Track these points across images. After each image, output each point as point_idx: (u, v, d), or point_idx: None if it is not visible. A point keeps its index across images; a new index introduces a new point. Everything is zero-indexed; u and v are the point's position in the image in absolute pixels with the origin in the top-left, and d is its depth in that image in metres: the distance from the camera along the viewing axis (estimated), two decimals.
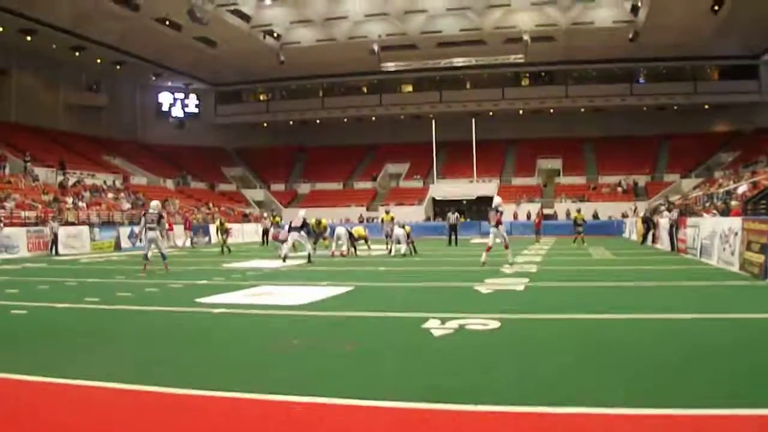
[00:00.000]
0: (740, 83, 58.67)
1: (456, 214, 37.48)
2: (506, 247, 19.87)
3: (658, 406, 5.10)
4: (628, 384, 5.85)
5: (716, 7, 45.01)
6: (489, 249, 19.77)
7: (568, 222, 50.99)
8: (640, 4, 47.16)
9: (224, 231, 32.25)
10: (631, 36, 50.74)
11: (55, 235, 31.58)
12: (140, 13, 46.90)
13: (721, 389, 5.62)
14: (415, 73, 62.88)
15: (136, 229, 33.47)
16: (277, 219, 37.00)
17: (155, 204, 19.75)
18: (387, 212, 31.58)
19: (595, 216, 51.59)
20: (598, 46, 54.31)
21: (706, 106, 61.85)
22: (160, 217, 19.04)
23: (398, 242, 26.15)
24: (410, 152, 66.38)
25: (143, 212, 21.51)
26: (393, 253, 26.34)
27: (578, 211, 35.70)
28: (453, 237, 35.64)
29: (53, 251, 31.23)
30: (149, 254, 19.10)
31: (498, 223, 19.59)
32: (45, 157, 47.84)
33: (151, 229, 18.89)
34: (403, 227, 26.54)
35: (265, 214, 43.83)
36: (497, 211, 19.74)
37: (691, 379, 6.01)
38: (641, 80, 62.87)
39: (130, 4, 45.97)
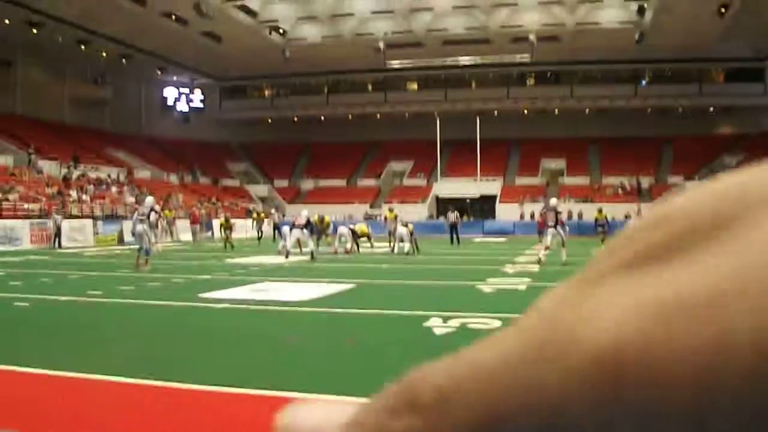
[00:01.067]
0: (746, 86, 58.60)
1: (456, 212, 37.33)
2: (563, 245, 20.20)
3: None
4: None
5: (723, 10, 44.99)
6: (548, 248, 19.99)
7: (571, 222, 51.20)
8: (646, 6, 47.16)
9: (228, 227, 32.26)
10: (637, 37, 50.72)
11: (59, 228, 31.60)
12: (147, 8, 46.90)
13: None
14: (421, 71, 62.83)
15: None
16: (262, 215, 37.52)
17: (149, 200, 19.74)
18: (390, 210, 31.61)
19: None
20: (604, 46, 54.25)
21: (711, 109, 61.77)
22: (151, 212, 18.93)
23: (401, 240, 26.18)
24: (414, 150, 66.31)
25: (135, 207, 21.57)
26: (396, 251, 26.36)
27: (600, 210, 35.17)
28: (454, 236, 35.56)
29: (56, 244, 31.26)
30: (144, 248, 18.94)
31: (559, 223, 19.85)
32: (50, 150, 47.85)
33: (141, 221, 18.88)
34: (406, 225, 26.57)
35: (273, 210, 43.89)
36: (556, 211, 19.98)
37: None
38: (645, 82, 62.83)
39: None
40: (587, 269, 0.29)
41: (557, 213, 20.08)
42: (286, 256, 22.91)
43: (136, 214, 19.35)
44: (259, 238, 37.07)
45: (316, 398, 4.26)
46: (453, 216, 36.30)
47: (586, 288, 0.28)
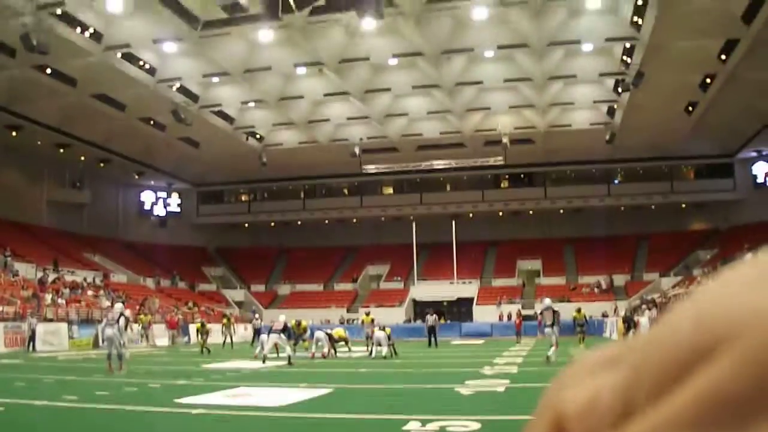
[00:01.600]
0: (716, 182, 59.61)
1: (434, 315, 37.39)
2: (555, 344, 20.69)
3: None
4: None
5: (690, 108, 46.24)
6: (555, 346, 20.61)
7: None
8: (616, 107, 48.32)
9: (205, 332, 32.05)
10: (607, 137, 51.73)
11: (33, 332, 31.29)
12: (126, 113, 47.47)
13: None
14: (396, 175, 63.41)
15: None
16: (231, 320, 37.60)
17: (118, 306, 19.82)
18: (367, 314, 31.68)
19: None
20: (576, 147, 55.25)
21: (683, 205, 62.59)
22: (120, 317, 18.86)
23: (379, 344, 26.11)
24: (391, 254, 66.50)
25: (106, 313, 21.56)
26: (374, 355, 26.25)
27: (578, 310, 35.16)
28: (432, 338, 35.51)
29: (30, 347, 30.89)
30: (114, 352, 18.67)
31: (556, 322, 20.51)
32: (26, 253, 47.59)
33: (110, 325, 18.79)
34: (384, 329, 26.53)
35: (256, 315, 43.64)
36: (553, 310, 20.66)
37: None
38: (617, 181, 63.78)
39: (117, 103, 46.61)
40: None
41: (554, 312, 20.65)
42: (263, 361, 22.79)
43: (105, 320, 19.32)
44: (223, 343, 35.93)
45: None
46: (432, 319, 36.38)
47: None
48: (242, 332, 46.96)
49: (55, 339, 33.21)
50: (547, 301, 21.73)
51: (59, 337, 33.66)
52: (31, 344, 31.07)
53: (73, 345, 33.98)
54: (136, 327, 18.66)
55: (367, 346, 28.44)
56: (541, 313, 22.59)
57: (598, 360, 0.34)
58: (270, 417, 10.71)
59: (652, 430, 0.26)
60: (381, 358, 25.49)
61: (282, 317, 24.42)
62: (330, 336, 27.40)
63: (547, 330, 20.63)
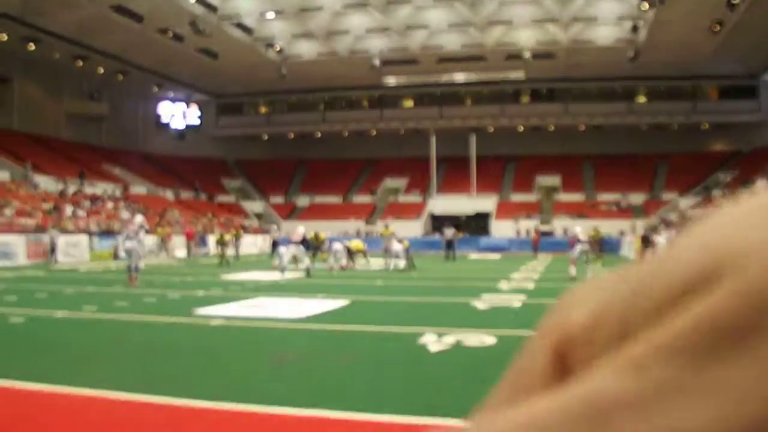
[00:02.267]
0: (739, 103, 58.78)
1: (453, 229, 37.40)
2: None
3: None
4: None
5: (716, 27, 45.21)
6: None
7: (566, 239, 51.29)
8: (640, 24, 47.35)
9: (223, 243, 32.22)
10: (631, 55, 50.89)
11: (54, 244, 31.58)
12: (143, 24, 46.95)
13: None
14: (416, 88, 62.97)
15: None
16: (226, 237, 34.63)
17: (139, 219, 19.75)
18: (386, 227, 31.71)
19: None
20: (599, 64, 54.45)
21: (705, 126, 61.92)
22: (141, 230, 18.85)
23: (397, 257, 26.23)
24: (409, 167, 66.37)
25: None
26: (392, 268, 26.39)
27: (595, 230, 34.83)
28: (451, 252, 35.57)
29: (53, 260, 31.22)
30: (133, 265, 18.76)
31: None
32: (46, 166, 47.87)
33: (129, 238, 18.88)
34: (401, 242, 26.62)
35: (275, 227, 43.75)
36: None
37: None
38: (640, 99, 62.95)
39: (134, 15, 46.10)
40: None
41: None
42: (282, 272, 22.95)
43: (125, 233, 19.38)
44: (220, 261, 31.69)
45: (311, 415, 4.33)
46: (450, 232, 36.30)
47: None
48: (261, 244, 47.38)
49: (75, 251, 33.52)
50: (578, 228, 22.54)
51: (80, 249, 33.97)
52: (53, 256, 31.39)
53: (94, 257, 34.31)
54: (149, 238, 18.43)
55: (386, 258, 28.52)
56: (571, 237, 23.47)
57: (606, 282, 0.34)
58: (287, 328, 10.80)
59: (647, 354, 0.26)
60: (399, 271, 25.67)
61: (301, 228, 24.44)
62: (348, 248, 27.52)
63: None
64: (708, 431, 0.24)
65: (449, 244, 35.78)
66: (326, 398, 5.99)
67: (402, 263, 26.12)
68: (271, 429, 5.19)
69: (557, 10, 46.92)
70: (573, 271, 21.49)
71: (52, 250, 31.46)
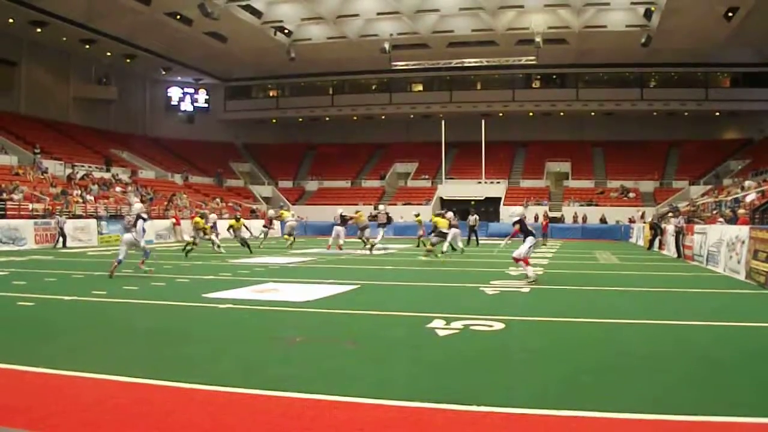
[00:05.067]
0: (752, 91, 58.34)
1: (476, 215, 38.23)
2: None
3: (662, 412, 5.11)
4: (632, 389, 5.85)
5: (730, 14, 44.87)
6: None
7: (576, 225, 51.22)
8: (653, 9, 47.02)
9: (237, 228, 31.97)
10: (643, 41, 50.56)
11: (62, 229, 31.58)
12: (151, 7, 46.83)
13: (724, 397, 5.63)
14: (426, 72, 62.76)
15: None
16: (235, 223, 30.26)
17: (136, 207, 18.97)
18: (416, 215, 34.44)
19: (603, 220, 51.66)
20: (610, 49, 54.17)
21: (717, 113, 61.61)
22: (138, 219, 18.23)
23: (454, 240, 26.69)
24: (419, 151, 66.35)
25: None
26: (445, 250, 26.55)
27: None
28: (474, 237, 36.17)
29: (61, 244, 31.25)
30: (121, 257, 17.08)
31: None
32: (53, 150, 47.94)
33: (127, 230, 18.66)
34: (457, 226, 27.40)
35: (293, 212, 43.70)
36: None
37: (694, 386, 6.02)
38: (651, 85, 62.58)
39: None
40: None
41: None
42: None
43: (125, 221, 19.26)
44: (184, 248, 27.11)
45: (319, 399, 4.25)
46: (473, 219, 36.90)
47: None
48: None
49: (84, 235, 33.54)
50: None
51: (88, 233, 33.99)
52: (63, 241, 31.40)
53: (102, 241, 34.35)
54: (140, 224, 17.59)
55: (417, 245, 32.17)
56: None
57: None
58: (296, 312, 10.78)
59: None
60: (459, 252, 26.54)
61: (380, 207, 24.73)
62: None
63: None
64: None
65: (472, 230, 36.31)
66: (334, 382, 5.95)
67: (459, 245, 27.07)
68: (279, 413, 5.15)
69: None
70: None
71: (61, 234, 31.46)
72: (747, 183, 41.18)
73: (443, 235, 25.70)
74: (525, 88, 64.24)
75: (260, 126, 71.85)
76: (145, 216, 17.68)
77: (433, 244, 25.44)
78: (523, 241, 16.39)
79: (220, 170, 64.88)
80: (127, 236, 17.66)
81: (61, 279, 15.97)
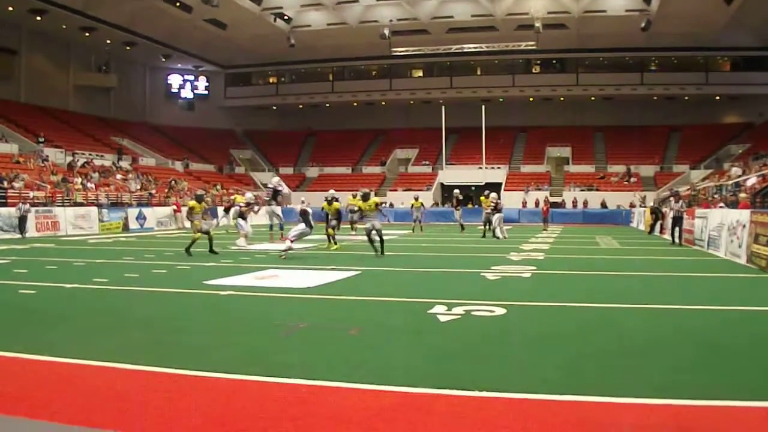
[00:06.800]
0: (752, 75, 58.16)
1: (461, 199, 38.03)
2: None
3: (664, 396, 5.12)
4: (634, 373, 5.86)
5: None
6: None
7: (577, 210, 51.20)
8: None
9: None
10: (643, 25, 50.44)
11: (24, 217, 29.42)
12: None
13: (726, 381, 5.64)
14: (426, 58, 62.63)
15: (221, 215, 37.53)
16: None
17: (275, 180, 20.12)
18: (416, 199, 34.97)
19: (603, 205, 51.63)
20: (610, 34, 54.04)
21: (717, 98, 61.47)
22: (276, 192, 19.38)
23: (499, 226, 26.88)
24: (419, 137, 66.29)
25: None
26: (503, 237, 27.05)
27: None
28: (489, 227, 36.04)
29: (20, 232, 29.28)
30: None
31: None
32: (54, 138, 47.89)
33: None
34: (501, 211, 28.10)
35: (302, 199, 43.60)
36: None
37: (696, 370, 6.03)
38: (652, 70, 62.41)
39: None
40: None
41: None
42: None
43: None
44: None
45: (321, 385, 4.25)
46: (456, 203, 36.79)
47: None
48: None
49: (85, 223, 33.52)
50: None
51: (89, 221, 33.96)
52: (21, 228, 29.45)
53: (103, 228, 34.33)
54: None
55: (413, 230, 33.21)
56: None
57: None
58: (298, 298, 10.79)
59: None
60: (503, 238, 26.82)
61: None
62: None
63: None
64: None
65: (487, 220, 36.18)
66: (337, 368, 5.96)
67: (498, 231, 27.43)
68: (282, 399, 5.16)
69: None
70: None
71: (22, 222, 29.43)
72: (734, 170, 41.24)
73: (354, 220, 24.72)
74: (525, 74, 64.10)
75: (261, 113, 71.81)
76: (281, 189, 18.59)
77: (333, 228, 23.15)
78: None
79: (232, 158, 65.09)
80: (268, 208, 18.80)
81: (62, 267, 15.97)
